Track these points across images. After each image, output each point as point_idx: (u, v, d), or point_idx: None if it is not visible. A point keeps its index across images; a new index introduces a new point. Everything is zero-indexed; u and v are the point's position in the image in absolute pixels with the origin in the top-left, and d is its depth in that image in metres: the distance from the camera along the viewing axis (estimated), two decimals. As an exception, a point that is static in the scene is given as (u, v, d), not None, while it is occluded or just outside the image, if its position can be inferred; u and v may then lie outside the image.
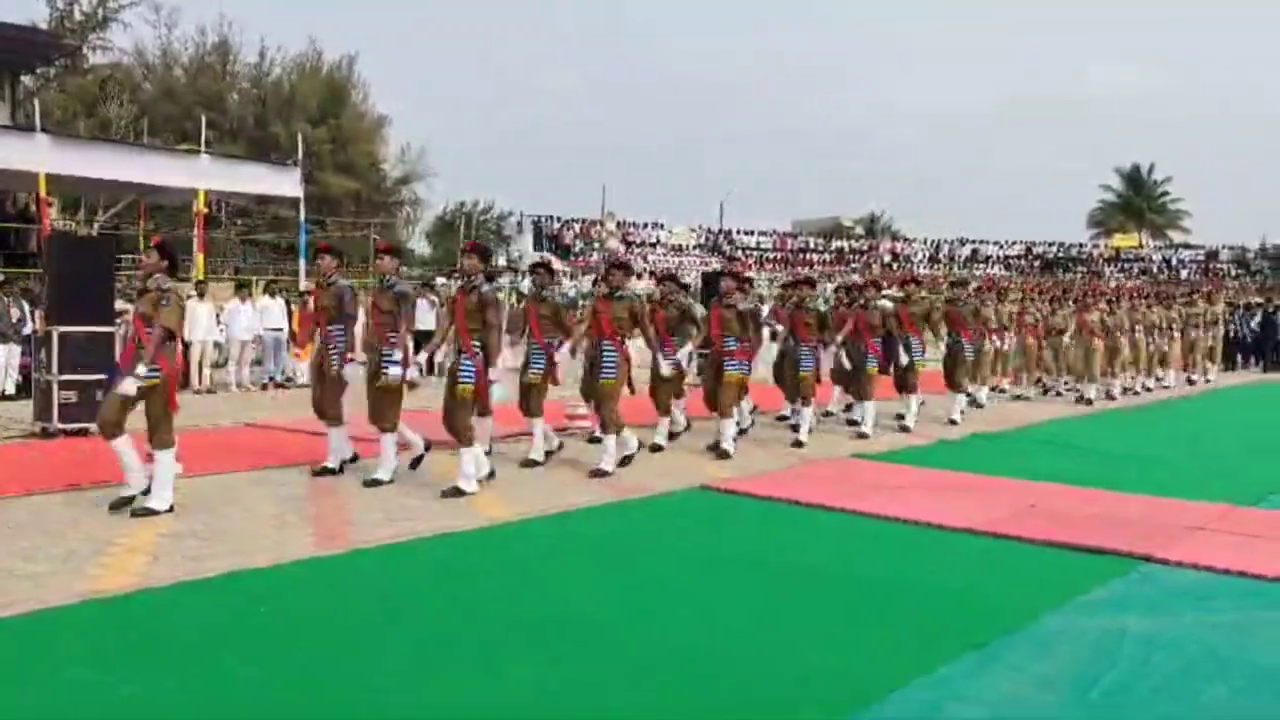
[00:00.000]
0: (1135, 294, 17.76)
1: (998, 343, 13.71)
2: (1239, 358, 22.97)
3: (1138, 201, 56.60)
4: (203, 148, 22.08)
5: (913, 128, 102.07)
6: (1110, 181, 57.83)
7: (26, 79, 31.71)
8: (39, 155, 17.93)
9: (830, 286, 17.08)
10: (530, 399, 8.30)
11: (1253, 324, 23.19)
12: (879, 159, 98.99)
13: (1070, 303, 15.56)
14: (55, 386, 9.37)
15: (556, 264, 10.08)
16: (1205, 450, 10.35)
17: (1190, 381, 17.71)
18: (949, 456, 9.25)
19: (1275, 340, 23.20)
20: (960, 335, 11.96)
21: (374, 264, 8.48)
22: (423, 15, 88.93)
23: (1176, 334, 17.05)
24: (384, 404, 7.38)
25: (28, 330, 12.59)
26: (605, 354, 8.20)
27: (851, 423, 11.16)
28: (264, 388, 15.01)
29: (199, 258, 20.14)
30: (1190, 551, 5.67)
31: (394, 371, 7.29)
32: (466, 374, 7.16)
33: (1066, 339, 14.76)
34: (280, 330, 15.37)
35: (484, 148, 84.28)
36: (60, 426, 9.33)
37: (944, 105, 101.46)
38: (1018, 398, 14.61)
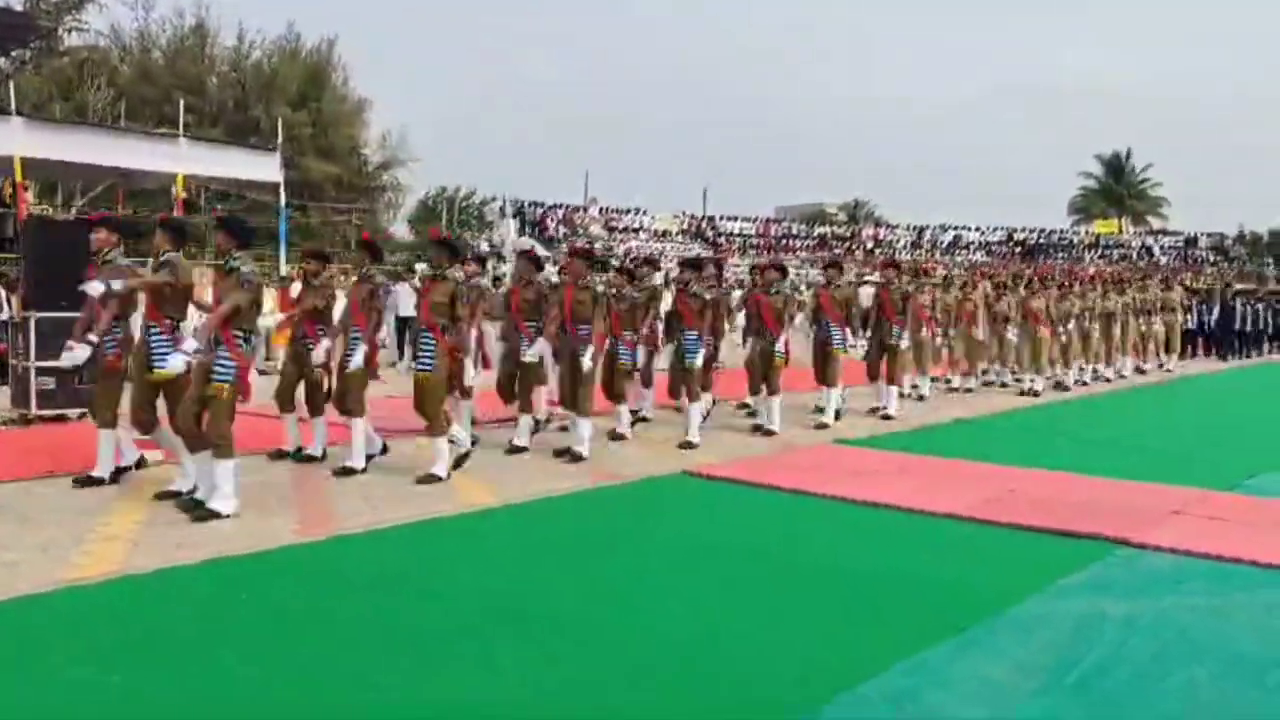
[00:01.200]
0: (1088, 280, 16.16)
1: (926, 333, 12.44)
2: (1198, 346, 21.79)
3: (1118, 188, 56.94)
4: (181, 132, 21.87)
5: (895, 115, 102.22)
6: (1091, 168, 58.22)
7: (1, 62, 31.30)
8: (14, 139, 17.73)
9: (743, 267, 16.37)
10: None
11: (1212, 311, 22.16)
12: (862, 146, 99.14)
13: (1020, 289, 14.46)
14: (33, 373, 9.27)
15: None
16: (1183, 435, 10.44)
17: (1140, 370, 16.73)
18: (929, 442, 9.30)
19: (1234, 328, 22.19)
20: (891, 322, 11.10)
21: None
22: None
23: (1132, 321, 16.25)
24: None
25: (4, 316, 12.45)
26: (423, 342, 7.32)
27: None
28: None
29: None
30: (1168, 536, 5.73)
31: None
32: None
33: (1011, 331, 13.64)
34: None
35: (467, 133, 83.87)
36: (38, 413, 9.23)
37: (927, 92, 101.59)
38: (963, 389, 13.64)
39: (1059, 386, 13.90)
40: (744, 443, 9.10)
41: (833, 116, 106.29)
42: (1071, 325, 14.01)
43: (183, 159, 20.65)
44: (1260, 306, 23.66)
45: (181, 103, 23.79)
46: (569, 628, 4.24)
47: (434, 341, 7.17)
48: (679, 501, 6.86)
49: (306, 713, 3.40)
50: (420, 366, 7.22)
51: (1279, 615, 4.49)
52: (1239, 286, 28.85)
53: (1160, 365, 17.56)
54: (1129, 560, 5.35)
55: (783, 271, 10.52)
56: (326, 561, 5.17)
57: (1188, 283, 28.12)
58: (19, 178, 18.16)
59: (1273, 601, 4.66)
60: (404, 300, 13.62)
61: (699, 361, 9.12)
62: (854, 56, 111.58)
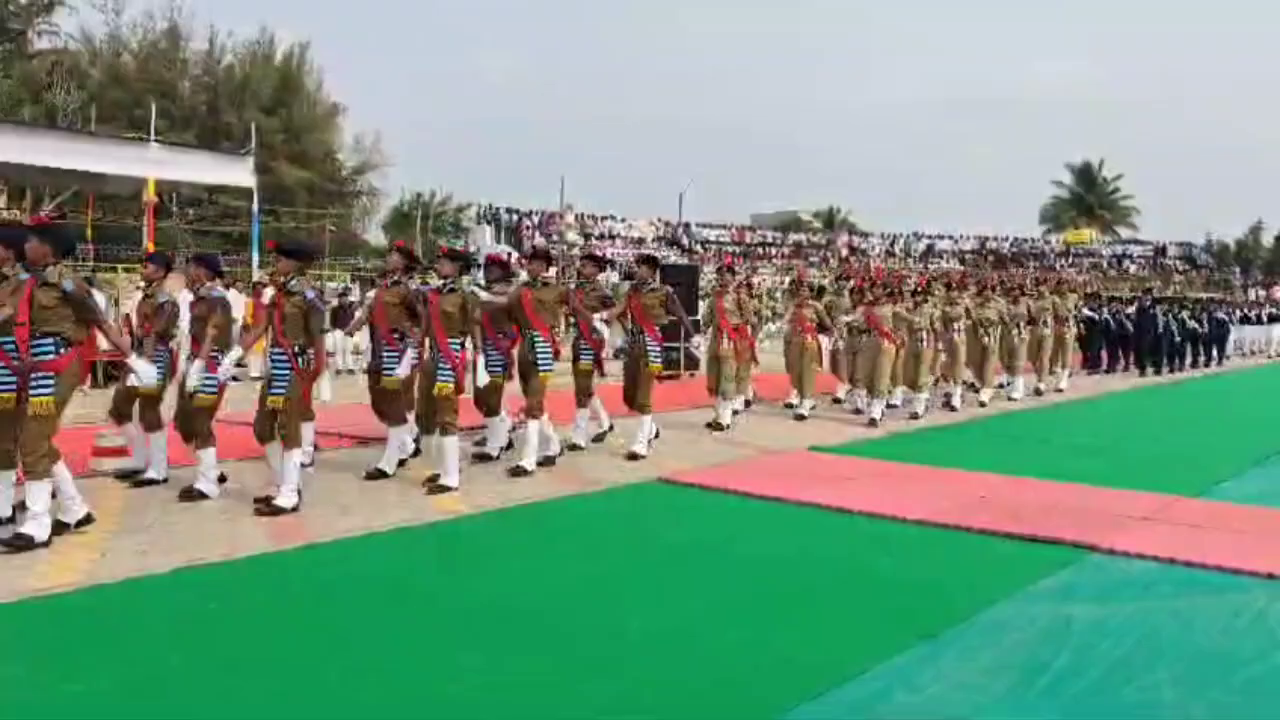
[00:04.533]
0: (959, 284, 13.66)
1: (729, 344, 10.54)
2: (1115, 359, 19.01)
3: (1089, 197, 57.67)
4: (152, 136, 21.69)
5: (869, 124, 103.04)
6: (1062, 178, 58.90)
7: (-32, 64, 30.91)
8: (-19, 142, 17.53)
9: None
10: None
11: (1127, 320, 18.92)
12: (837, 155, 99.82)
13: (863, 293, 11.75)
14: None
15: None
16: (1155, 441, 10.58)
17: (1038, 391, 14.20)
18: (903, 449, 9.36)
19: (1154, 338, 19.09)
20: (645, 331, 8.66)
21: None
22: (375, 2, 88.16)
23: (1024, 333, 13.69)
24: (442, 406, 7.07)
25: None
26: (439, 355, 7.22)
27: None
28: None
29: (148, 248, 19.83)
30: (1136, 541, 5.80)
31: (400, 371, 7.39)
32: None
33: (836, 340, 11.70)
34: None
35: (442, 139, 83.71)
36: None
37: (899, 102, 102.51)
38: (799, 417, 11.23)
39: (913, 417, 11.31)
40: (718, 450, 9.11)
41: (807, 125, 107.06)
42: (924, 337, 11.49)
43: (153, 163, 20.51)
44: (1185, 315, 20.92)
45: (153, 107, 23.59)
46: (542, 632, 4.23)
47: (656, 340, 7.72)
48: (653, 508, 6.86)
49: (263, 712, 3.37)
50: (441, 378, 7.03)
51: (1244, 619, 4.55)
52: (1158, 293, 26.45)
53: (1057, 386, 14.86)
54: (1099, 565, 5.40)
55: (652, 265, 9.20)
56: (299, 569, 5.13)
57: (1113, 290, 26.56)
58: (-14, 181, 17.95)
59: (1238, 605, 4.72)
60: None
61: (550, 368, 7.88)
62: (828, 65, 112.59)
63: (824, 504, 6.73)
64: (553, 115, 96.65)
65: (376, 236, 47.54)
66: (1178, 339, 20.11)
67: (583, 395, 8.83)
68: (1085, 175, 58.18)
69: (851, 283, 14.17)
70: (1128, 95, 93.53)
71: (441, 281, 7.24)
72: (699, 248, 45.70)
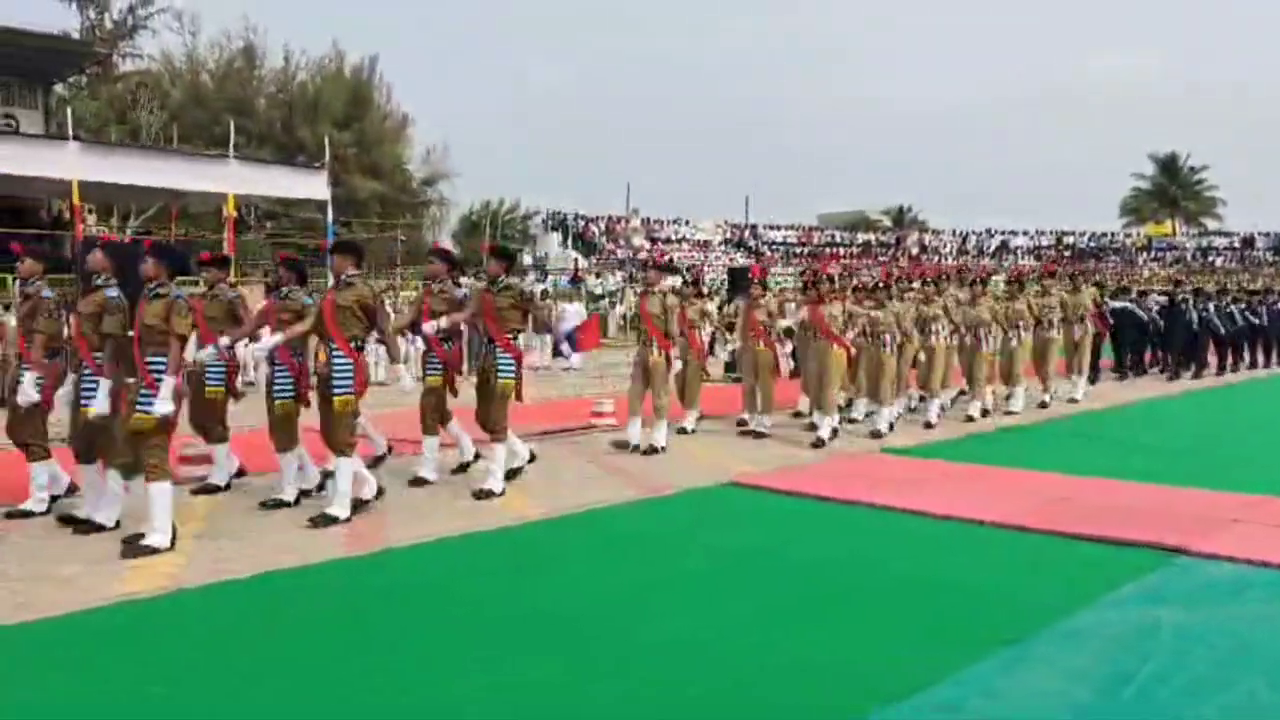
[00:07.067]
0: (942, 277, 11.82)
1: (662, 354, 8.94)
2: (1130, 357, 16.36)
3: (1171, 189, 55.85)
4: (231, 152, 22.33)
5: (941, 121, 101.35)
6: (1144, 169, 57.15)
7: (59, 88, 32.19)
8: (71, 162, 18.27)
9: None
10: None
11: (1138, 311, 16.16)
12: (908, 152, 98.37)
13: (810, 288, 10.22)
14: (89, 391, 9.44)
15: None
16: (1236, 442, 10.19)
17: (1043, 404, 12.09)
18: (979, 450, 9.16)
19: (1182, 337, 16.44)
20: (494, 341, 7.21)
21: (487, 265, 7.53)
22: (442, 13, 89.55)
23: (1026, 335, 11.65)
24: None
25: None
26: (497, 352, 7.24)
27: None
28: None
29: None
30: (1226, 543, 5.58)
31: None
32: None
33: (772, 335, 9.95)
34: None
35: (510, 146, 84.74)
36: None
37: (972, 96, 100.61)
38: (757, 434, 9.83)
39: (874, 435, 9.65)
40: (790, 453, 9.03)
41: (875, 123, 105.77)
42: (888, 340, 10.01)
43: (233, 179, 21.12)
44: (1236, 309, 17.84)
45: (231, 124, 24.28)
46: (608, 636, 4.24)
47: (508, 350, 7.13)
48: (725, 512, 6.82)
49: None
50: (501, 375, 7.14)
51: (1344, 625, 4.34)
52: (1198, 286, 22.99)
53: (1073, 396, 12.72)
54: (1186, 569, 5.21)
55: (503, 258, 7.53)
56: (372, 575, 5.21)
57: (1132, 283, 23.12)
58: (76, 200, 18.68)
59: (1338, 611, 4.52)
60: None
61: (349, 391, 6.30)
62: (895, 62, 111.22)
63: (897, 507, 6.61)
64: (619, 121, 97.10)
65: (447, 245, 48.24)
66: (1223, 333, 17.16)
67: (432, 418, 7.48)
68: (1169, 166, 56.35)
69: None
70: (1213, 83, 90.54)
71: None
72: (766, 249, 45.42)
